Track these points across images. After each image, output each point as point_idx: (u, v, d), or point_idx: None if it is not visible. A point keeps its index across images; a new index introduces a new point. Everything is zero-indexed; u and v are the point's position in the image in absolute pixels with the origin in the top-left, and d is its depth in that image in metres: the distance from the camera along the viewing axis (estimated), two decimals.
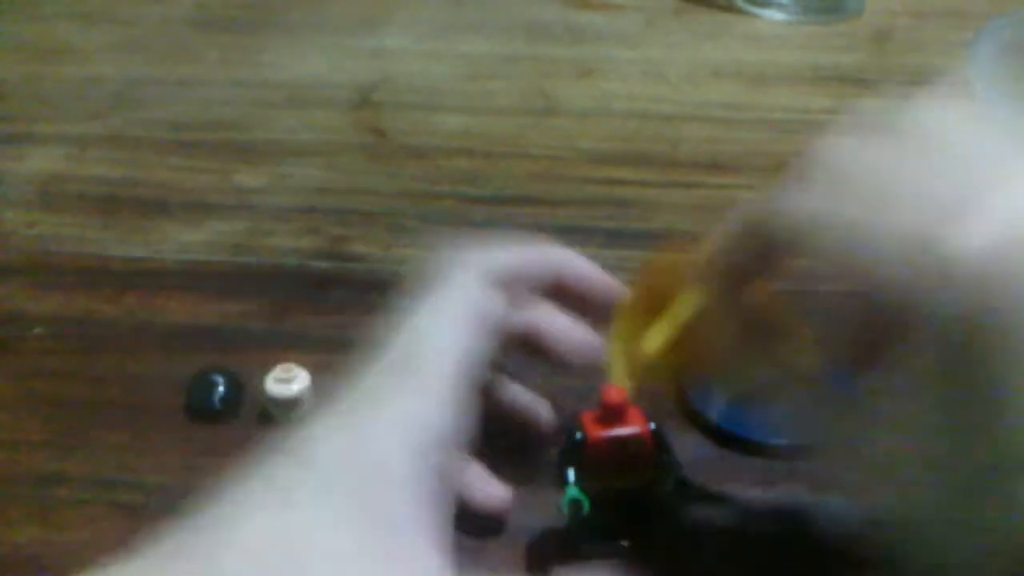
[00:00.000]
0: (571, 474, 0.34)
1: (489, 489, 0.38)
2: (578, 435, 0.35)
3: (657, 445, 0.35)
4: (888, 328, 0.29)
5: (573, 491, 0.34)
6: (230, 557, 0.28)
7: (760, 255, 0.33)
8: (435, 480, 0.31)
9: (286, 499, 0.30)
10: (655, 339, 0.35)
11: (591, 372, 0.40)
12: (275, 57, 0.69)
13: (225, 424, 0.44)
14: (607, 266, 0.52)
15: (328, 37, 0.71)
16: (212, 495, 0.30)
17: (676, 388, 0.43)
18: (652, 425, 0.36)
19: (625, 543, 0.36)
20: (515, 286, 0.38)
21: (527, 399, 0.41)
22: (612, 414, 0.35)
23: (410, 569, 0.30)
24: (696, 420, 0.43)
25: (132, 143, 0.61)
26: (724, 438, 0.42)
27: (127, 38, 0.72)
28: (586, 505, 0.34)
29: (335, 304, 0.50)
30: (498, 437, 0.38)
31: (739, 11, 0.74)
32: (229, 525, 0.29)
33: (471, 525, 0.37)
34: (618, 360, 0.37)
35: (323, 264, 0.52)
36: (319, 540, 0.29)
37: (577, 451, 0.35)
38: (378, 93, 0.65)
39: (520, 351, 0.39)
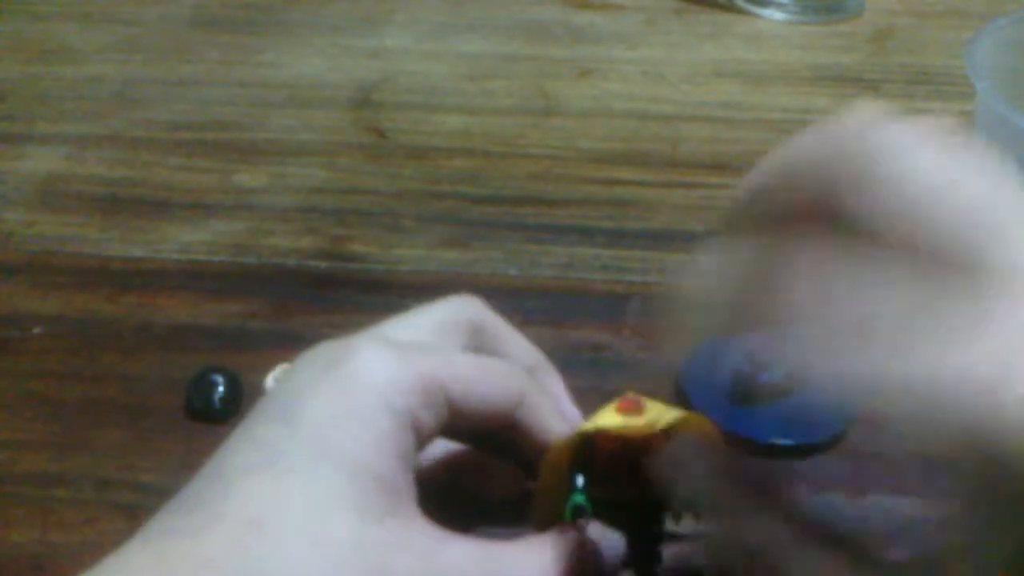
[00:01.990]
0: (579, 480, 0.33)
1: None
2: (590, 439, 0.35)
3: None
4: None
5: (578, 497, 0.33)
6: (219, 533, 0.28)
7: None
8: (411, 440, 0.31)
9: (277, 463, 0.29)
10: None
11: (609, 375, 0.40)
12: (275, 57, 0.69)
13: (225, 424, 0.44)
14: (607, 266, 0.52)
15: (328, 37, 0.71)
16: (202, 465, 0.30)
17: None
18: (667, 436, 0.34)
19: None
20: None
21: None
22: (632, 415, 0.34)
23: (410, 526, 0.30)
24: None
25: (132, 143, 0.62)
26: (727, 439, 0.42)
27: (127, 38, 0.72)
28: (589, 513, 0.33)
29: (335, 304, 0.50)
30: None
31: (739, 11, 0.74)
32: (219, 495, 0.29)
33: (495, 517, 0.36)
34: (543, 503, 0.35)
35: (323, 264, 0.52)
36: (316, 504, 0.29)
37: (588, 456, 0.34)
38: (378, 93, 0.65)
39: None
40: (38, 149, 0.61)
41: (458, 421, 0.33)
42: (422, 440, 0.32)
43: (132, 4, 0.75)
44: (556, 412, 0.35)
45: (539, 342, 0.46)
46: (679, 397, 0.43)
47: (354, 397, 0.31)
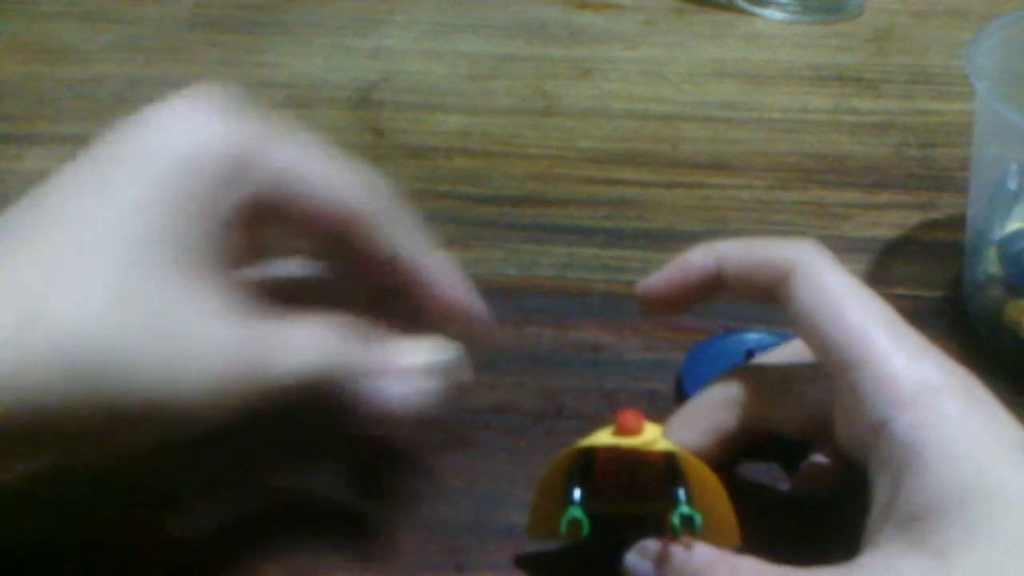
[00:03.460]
0: (577, 493, 0.33)
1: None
2: (590, 451, 0.34)
3: (668, 474, 0.34)
4: None
5: (575, 511, 0.33)
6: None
7: None
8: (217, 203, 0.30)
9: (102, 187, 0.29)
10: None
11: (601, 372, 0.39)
12: (275, 57, 0.69)
13: None
14: (607, 266, 0.52)
15: (328, 37, 0.71)
16: None
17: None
18: (667, 453, 0.34)
19: None
20: None
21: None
22: (629, 436, 0.34)
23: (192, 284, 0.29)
24: None
25: None
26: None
27: (127, 38, 0.72)
28: (586, 527, 0.33)
29: None
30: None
31: (739, 11, 0.74)
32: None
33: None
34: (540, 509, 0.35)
35: None
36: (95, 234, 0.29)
37: (587, 469, 0.34)
38: (378, 93, 0.65)
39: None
40: (38, 149, 0.61)
41: (290, 212, 0.31)
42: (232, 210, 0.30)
43: (132, 4, 0.75)
44: (410, 233, 0.34)
45: (539, 342, 0.46)
46: (679, 397, 0.43)
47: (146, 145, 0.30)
